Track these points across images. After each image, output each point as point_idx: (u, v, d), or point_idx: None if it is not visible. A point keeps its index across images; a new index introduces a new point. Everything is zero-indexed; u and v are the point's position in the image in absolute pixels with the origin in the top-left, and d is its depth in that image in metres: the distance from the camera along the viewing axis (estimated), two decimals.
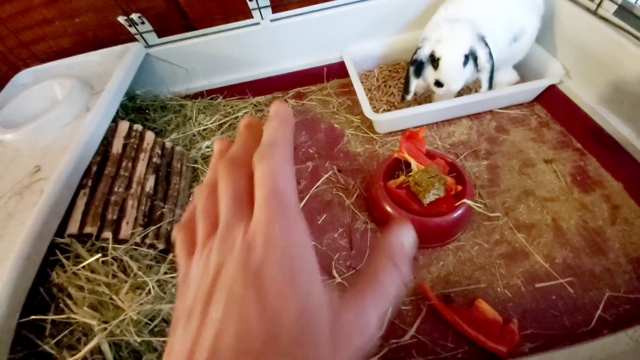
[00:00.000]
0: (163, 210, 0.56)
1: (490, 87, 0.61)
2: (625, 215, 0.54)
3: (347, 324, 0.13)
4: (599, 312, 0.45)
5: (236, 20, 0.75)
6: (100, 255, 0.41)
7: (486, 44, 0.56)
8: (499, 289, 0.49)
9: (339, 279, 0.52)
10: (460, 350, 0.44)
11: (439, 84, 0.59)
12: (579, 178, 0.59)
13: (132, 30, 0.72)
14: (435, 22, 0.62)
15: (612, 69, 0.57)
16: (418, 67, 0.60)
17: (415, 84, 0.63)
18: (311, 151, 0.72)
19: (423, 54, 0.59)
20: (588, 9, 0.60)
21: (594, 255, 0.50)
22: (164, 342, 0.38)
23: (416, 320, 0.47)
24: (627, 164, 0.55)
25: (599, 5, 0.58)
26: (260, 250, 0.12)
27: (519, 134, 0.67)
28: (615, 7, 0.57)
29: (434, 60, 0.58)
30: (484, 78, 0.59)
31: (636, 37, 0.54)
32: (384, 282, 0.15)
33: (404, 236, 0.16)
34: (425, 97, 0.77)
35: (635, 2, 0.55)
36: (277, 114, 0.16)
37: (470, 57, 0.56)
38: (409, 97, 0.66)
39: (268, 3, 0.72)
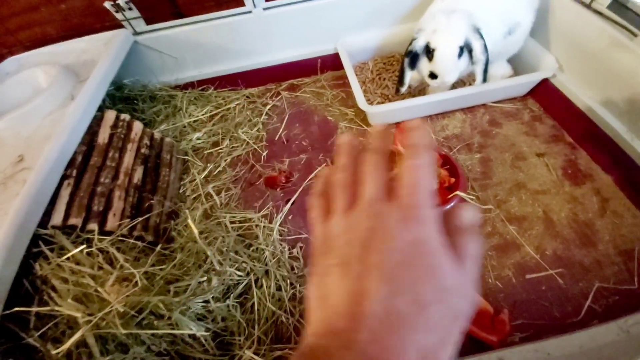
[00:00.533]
0: (152, 202, 0.55)
1: (485, 79, 0.61)
2: (615, 207, 0.54)
3: (461, 280, 0.16)
4: (588, 302, 0.46)
5: (228, 8, 0.73)
6: (84, 246, 0.40)
7: (481, 36, 0.55)
8: (490, 280, 0.49)
9: None
10: None
11: (433, 75, 0.58)
12: (570, 171, 0.59)
13: (119, 16, 0.69)
14: (431, 13, 0.61)
15: (605, 63, 0.57)
16: (413, 58, 0.60)
17: (410, 76, 0.63)
18: (304, 143, 0.71)
19: (418, 46, 0.58)
20: (582, 3, 0.60)
21: (584, 247, 0.51)
22: (152, 334, 0.37)
23: None
24: (618, 157, 0.56)
25: None
26: (416, 224, 0.16)
27: (511, 127, 0.67)
28: (609, 0, 0.57)
29: (429, 52, 0.57)
30: (478, 70, 0.58)
31: (630, 31, 0.54)
32: (471, 251, 0.17)
33: (469, 212, 0.19)
34: (420, 91, 0.76)
35: None
36: (423, 127, 0.19)
37: (465, 49, 0.55)
38: (404, 89, 0.65)
39: None
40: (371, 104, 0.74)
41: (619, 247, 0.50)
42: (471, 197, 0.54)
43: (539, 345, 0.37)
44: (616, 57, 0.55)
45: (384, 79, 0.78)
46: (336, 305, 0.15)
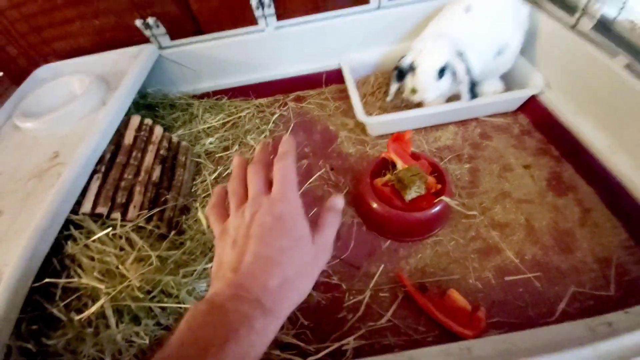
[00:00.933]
0: (167, 197, 0.61)
1: (473, 96, 0.66)
2: (596, 218, 0.57)
3: (317, 241, 0.24)
4: (562, 305, 0.49)
5: (243, 26, 0.81)
6: (110, 229, 0.46)
7: (463, 60, 0.61)
8: (471, 281, 0.53)
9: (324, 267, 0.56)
10: (431, 334, 0.48)
11: (414, 90, 0.64)
12: (553, 183, 0.62)
13: (147, 32, 0.78)
14: (423, 35, 0.67)
15: (588, 82, 0.61)
16: (399, 73, 0.67)
17: (395, 87, 0.70)
18: (307, 150, 0.77)
19: (405, 62, 0.65)
20: (567, 24, 0.65)
21: (562, 253, 0.54)
22: (162, 310, 0.43)
23: (392, 306, 0.51)
24: (599, 171, 0.59)
25: (577, 21, 0.63)
26: (280, 204, 0.23)
27: (501, 140, 0.71)
28: (593, 23, 0.61)
29: (413, 69, 0.63)
30: (463, 89, 0.64)
31: (612, 52, 0.58)
32: (330, 222, 0.26)
33: (336, 200, 0.27)
34: (418, 104, 0.81)
35: (615, 18, 0.59)
36: (288, 139, 0.27)
37: (449, 71, 0.61)
38: (388, 99, 0.73)
39: (273, 12, 0.78)
40: (370, 115, 0.79)
41: (597, 255, 0.53)
42: (456, 202, 0.58)
43: (507, 336, 0.41)
44: (598, 76, 0.59)
45: (383, 93, 0.84)
46: (227, 267, 0.22)
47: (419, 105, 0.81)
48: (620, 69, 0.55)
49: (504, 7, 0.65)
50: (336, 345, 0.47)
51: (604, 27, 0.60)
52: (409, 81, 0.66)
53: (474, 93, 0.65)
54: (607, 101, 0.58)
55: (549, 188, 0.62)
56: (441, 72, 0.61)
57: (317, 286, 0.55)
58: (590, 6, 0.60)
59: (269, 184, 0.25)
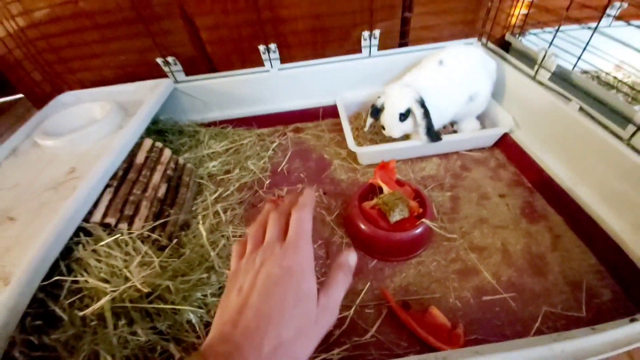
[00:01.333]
0: (170, 212, 0.66)
1: (432, 138, 0.75)
2: (565, 244, 0.62)
3: (322, 301, 0.23)
4: (537, 324, 0.52)
5: (251, 67, 0.92)
6: (119, 235, 0.50)
7: (422, 106, 0.72)
8: (451, 300, 0.56)
9: None
10: (412, 350, 0.50)
11: (383, 128, 0.77)
12: (527, 211, 0.68)
13: (166, 69, 0.88)
14: (395, 82, 0.78)
15: (549, 123, 0.70)
16: (374, 110, 0.78)
17: (370, 121, 0.81)
18: (302, 176, 0.83)
19: (378, 103, 0.77)
20: (528, 75, 0.75)
21: (535, 275, 0.58)
22: (158, 314, 0.45)
23: (376, 322, 0.53)
24: (564, 201, 0.65)
25: (536, 73, 0.73)
26: (291, 255, 0.23)
27: (479, 172, 0.78)
28: (549, 74, 0.72)
29: (382, 110, 0.76)
30: (421, 132, 0.74)
31: (565, 97, 0.67)
32: (340, 282, 0.25)
33: (350, 256, 0.27)
34: (406, 136, 0.90)
35: (572, 69, 0.69)
36: (310, 192, 0.28)
37: (411, 114, 0.73)
38: (365, 129, 0.85)
39: (278, 56, 0.90)
40: (361, 146, 0.87)
41: (568, 278, 0.57)
42: (437, 225, 0.63)
43: (479, 348, 0.43)
44: (556, 118, 0.68)
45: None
46: (227, 316, 0.21)
47: (407, 137, 0.89)
48: (574, 112, 0.64)
49: (473, 61, 0.76)
50: (321, 357, 0.49)
51: (560, 77, 0.71)
52: (381, 119, 0.76)
53: (432, 135, 0.74)
54: (565, 140, 0.66)
55: (522, 215, 0.67)
56: (403, 116, 0.73)
57: None
58: (546, 60, 0.71)
59: (286, 233, 0.25)
